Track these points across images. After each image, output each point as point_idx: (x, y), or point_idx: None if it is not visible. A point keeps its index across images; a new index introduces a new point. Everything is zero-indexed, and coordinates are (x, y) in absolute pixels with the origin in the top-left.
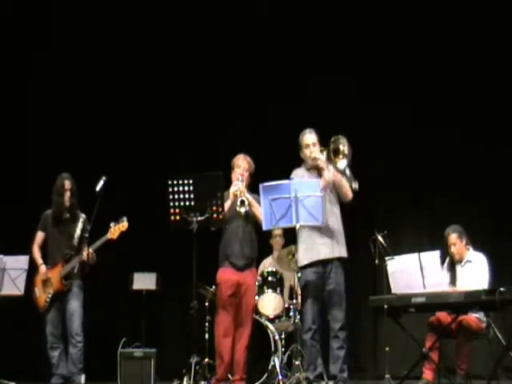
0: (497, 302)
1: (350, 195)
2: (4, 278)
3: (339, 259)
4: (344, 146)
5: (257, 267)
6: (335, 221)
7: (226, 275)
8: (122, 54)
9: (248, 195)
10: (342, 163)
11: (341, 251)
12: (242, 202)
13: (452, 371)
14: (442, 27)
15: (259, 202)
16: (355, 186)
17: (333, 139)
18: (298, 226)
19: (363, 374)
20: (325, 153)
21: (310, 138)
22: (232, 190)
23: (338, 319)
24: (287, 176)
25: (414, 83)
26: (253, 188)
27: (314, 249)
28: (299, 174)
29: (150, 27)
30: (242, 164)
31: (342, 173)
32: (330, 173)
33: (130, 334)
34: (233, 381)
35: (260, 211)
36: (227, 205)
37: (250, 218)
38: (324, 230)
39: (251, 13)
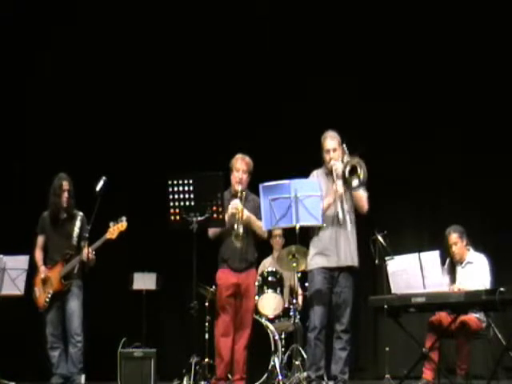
0: (497, 302)
1: (365, 208)
2: (4, 278)
3: (349, 268)
4: (361, 169)
5: (257, 267)
6: (350, 229)
7: (226, 276)
8: (123, 54)
9: (246, 212)
10: (355, 182)
11: (352, 260)
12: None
13: (452, 371)
14: (442, 27)
15: (259, 208)
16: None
17: (355, 159)
18: (297, 226)
19: (363, 374)
20: (346, 158)
21: (330, 143)
22: (230, 211)
23: (341, 322)
24: (287, 176)
25: (414, 83)
26: (253, 188)
27: (325, 255)
28: (316, 176)
29: (151, 27)
30: (240, 167)
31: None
32: (340, 185)
33: (129, 334)
34: (233, 381)
35: (259, 225)
36: (226, 216)
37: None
38: (338, 238)
39: (250, 13)
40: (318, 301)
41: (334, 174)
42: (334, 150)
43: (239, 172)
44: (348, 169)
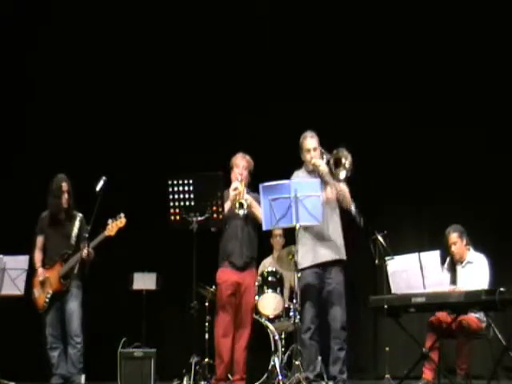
0: (497, 302)
1: (350, 203)
2: (4, 278)
3: (339, 261)
4: (346, 160)
5: (257, 267)
6: (335, 225)
7: (226, 275)
8: (122, 53)
9: (247, 196)
10: (342, 174)
11: (340, 254)
12: (241, 205)
13: (452, 371)
14: (441, 27)
15: (259, 201)
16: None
17: (335, 151)
18: (298, 226)
19: (363, 374)
20: (325, 157)
21: (310, 142)
22: (231, 190)
23: (338, 319)
24: (287, 176)
25: (414, 83)
26: (253, 188)
27: (315, 251)
28: (300, 176)
29: (150, 27)
30: (240, 163)
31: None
32: (332, 189)
33: (129, 333)
34: (233, 381)
35: (260, 211)
36: (227, 205)
37: (250, 218)
38: (324, 233)
39: (250, 13)
40: (310, 300)
41: (320, 171)
42: (315, 149)
43: (239, 168)
44: (332, 163)
